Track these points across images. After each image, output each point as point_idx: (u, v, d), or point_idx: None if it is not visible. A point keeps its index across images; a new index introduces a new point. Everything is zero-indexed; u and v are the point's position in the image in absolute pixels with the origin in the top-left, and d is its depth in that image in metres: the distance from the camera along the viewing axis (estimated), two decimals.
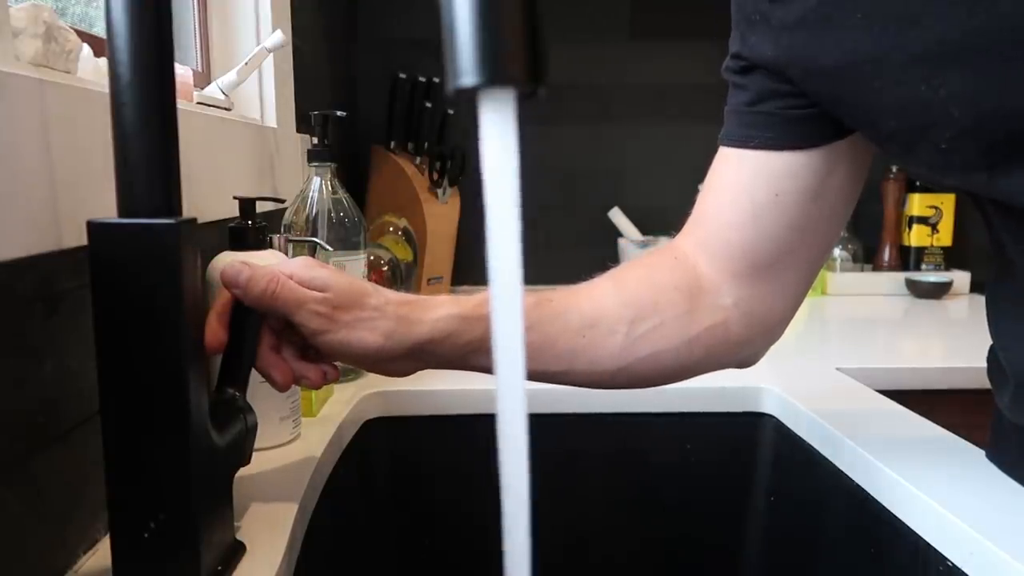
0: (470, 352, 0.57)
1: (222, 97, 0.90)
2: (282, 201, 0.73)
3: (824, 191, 0.60)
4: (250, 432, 0.54)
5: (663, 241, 1.52)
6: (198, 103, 0.86)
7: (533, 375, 0.58)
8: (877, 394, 0.87)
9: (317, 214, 0.87)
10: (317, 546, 0.64)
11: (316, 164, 0.88)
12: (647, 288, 0.62)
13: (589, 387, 0.63)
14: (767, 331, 0.64)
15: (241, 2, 1.02)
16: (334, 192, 0.88)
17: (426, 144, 1.42)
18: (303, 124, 1.12)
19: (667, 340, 0.60)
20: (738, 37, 0.60)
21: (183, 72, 0.84)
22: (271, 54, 0.92)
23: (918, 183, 1.63)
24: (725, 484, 0.91)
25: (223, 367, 0.54)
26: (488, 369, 0.56)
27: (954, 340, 1.25)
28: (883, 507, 0.64)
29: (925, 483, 0.60)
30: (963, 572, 0.53)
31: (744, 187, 0.61)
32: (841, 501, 0.72)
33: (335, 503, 0.71)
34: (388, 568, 0.90)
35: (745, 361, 0.66)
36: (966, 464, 0.65)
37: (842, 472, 0.71)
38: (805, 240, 0.61)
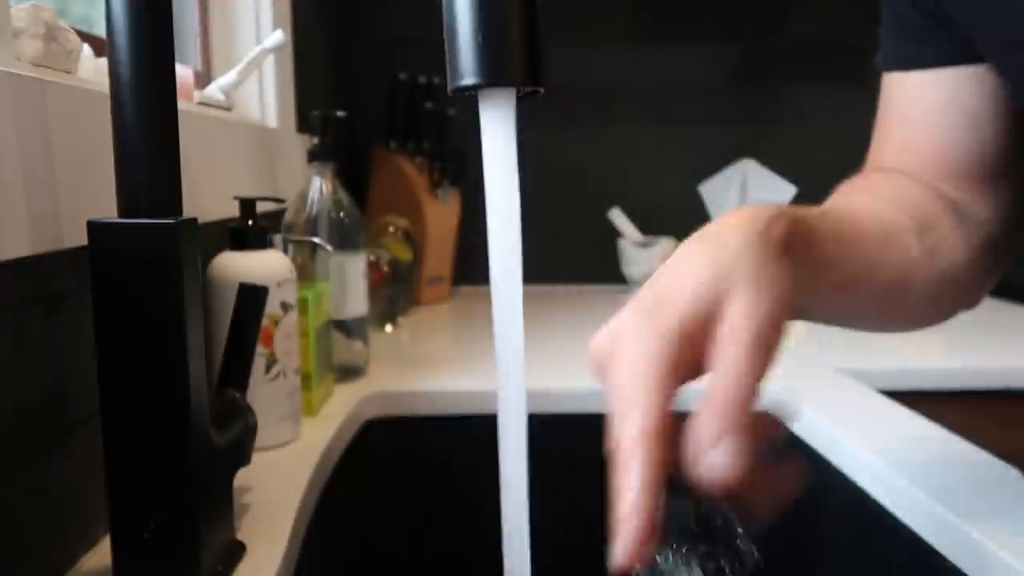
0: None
1: (222, 97, 0.90)
2: (282, 201, 0.73)
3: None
4: (250, 432, 0.54)
5: (663, 241, 1.52)
6: (198, 103, 0.86)
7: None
8: (877, 394, 0.87)
9: (317, 214, 0.87)
10: (317, 546, 0.64)
11: (316, 164, 0.88)
12: (911, 197, 0.54)
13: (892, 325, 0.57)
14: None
15: (241, 2, 1.02)
16: (334, 192, 0.88)
17: (426, 144, 1.42)
18: (303, 124, 1.12)
19: (954, 253, 0.53)
20: None
21: (183, 72, 0.84)
22: (271, 54, 0.92)
23: None
24: None
25: (223, 367, 0.54)
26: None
27: (954, 340, 1.25)
28: (883, 507, 0.64)
29: (925, 483, 0.60)
30: (963, 572, 0.53)
31: (951, 101, 0.56)
32: (841, 501, 0.72)
33: (335, 503, 0.71)
34: (388, 568, 0.90)
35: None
36: (966, 464, 0.65)
37: (842, 472, 0.71)
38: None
